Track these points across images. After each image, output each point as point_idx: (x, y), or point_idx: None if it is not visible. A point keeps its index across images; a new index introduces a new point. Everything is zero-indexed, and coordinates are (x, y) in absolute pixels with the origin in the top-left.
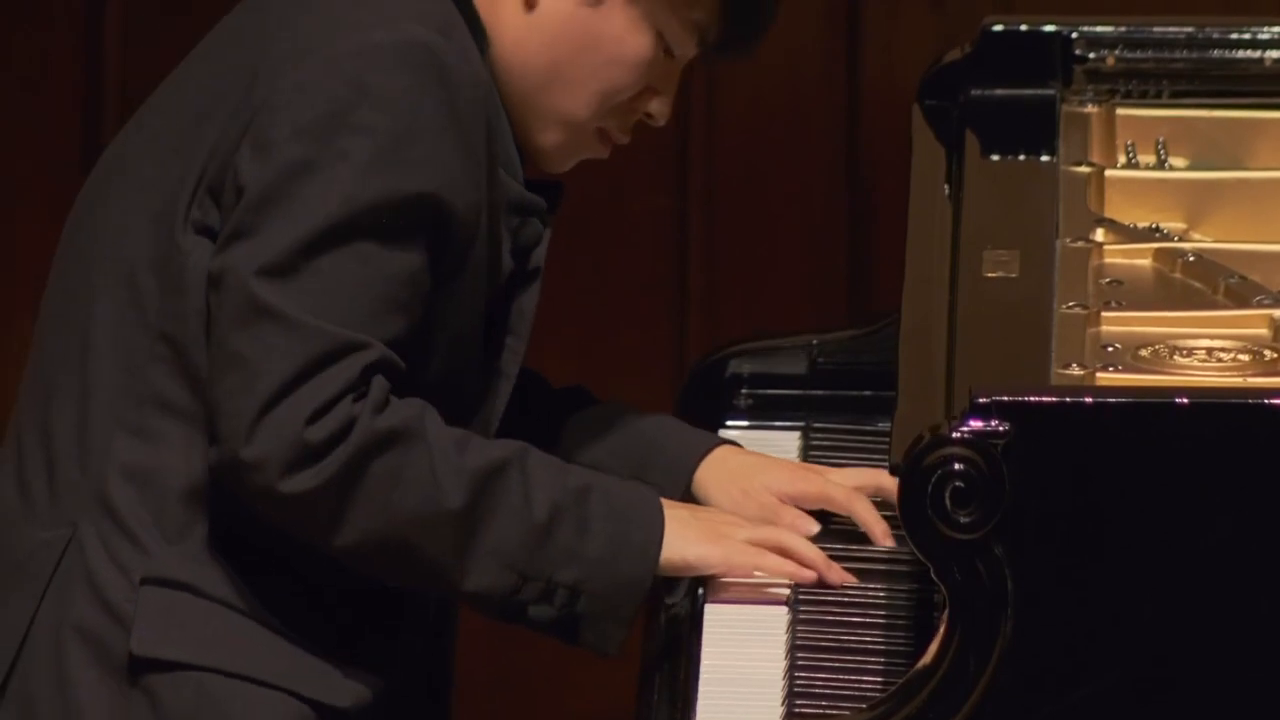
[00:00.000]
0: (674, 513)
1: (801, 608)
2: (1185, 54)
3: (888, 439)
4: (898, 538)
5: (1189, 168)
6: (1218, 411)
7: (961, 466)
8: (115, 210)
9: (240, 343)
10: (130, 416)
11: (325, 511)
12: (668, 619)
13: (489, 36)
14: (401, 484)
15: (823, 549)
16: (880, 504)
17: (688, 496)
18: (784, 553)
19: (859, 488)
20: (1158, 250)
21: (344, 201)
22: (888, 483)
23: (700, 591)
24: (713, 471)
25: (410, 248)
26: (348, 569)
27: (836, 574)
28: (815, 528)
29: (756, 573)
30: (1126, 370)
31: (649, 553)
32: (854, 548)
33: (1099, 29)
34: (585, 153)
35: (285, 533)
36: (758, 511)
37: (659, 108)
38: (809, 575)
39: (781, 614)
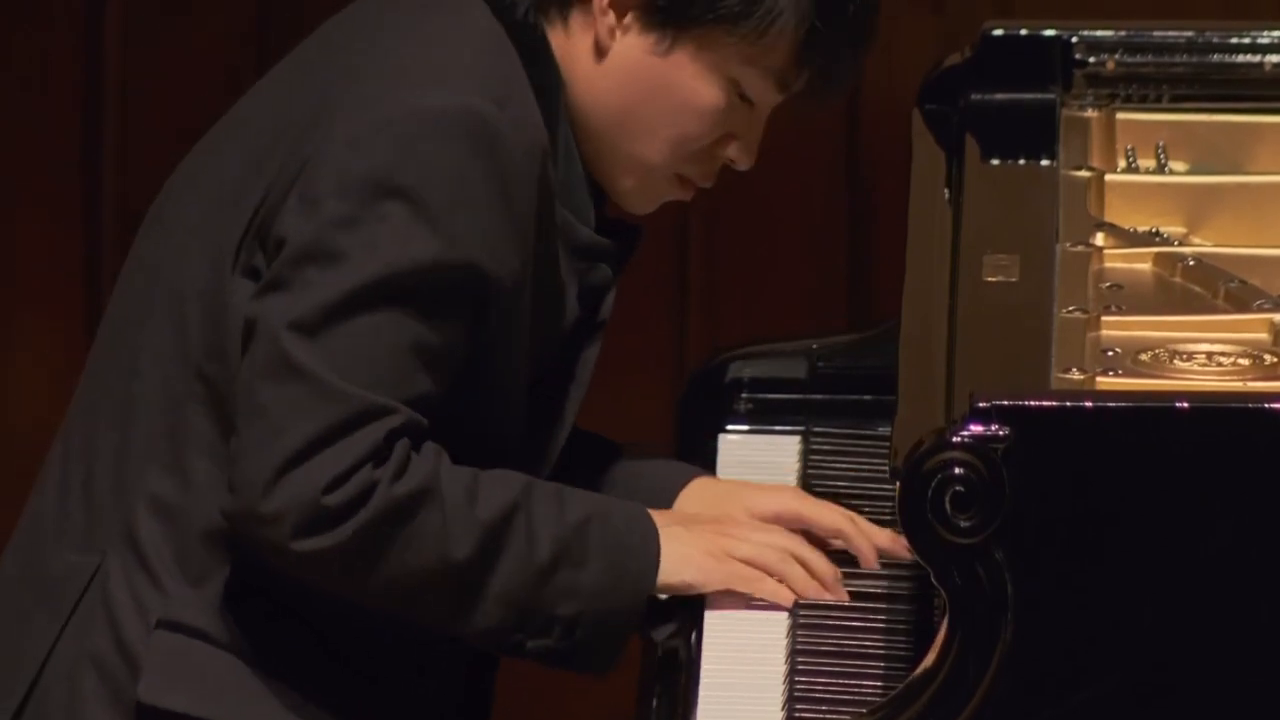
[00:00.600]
0: (671, 531)
1: (801, 612)
2: (1185, 58)
3: (888, 443)
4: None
5: (1189, 172)
6: (1218, 416)
7: (962, 471)
8: (179, 230)
9: (267, 395)
10: (165, 450)
11: (335, 569)
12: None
13: (565, 79)
14: (413, 545)
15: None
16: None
17: None
18: (799, 560)
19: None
20: (1158, 254)
21: (382, 265)
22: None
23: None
24: (691, 502)
25: (445, 314)
26: (369, 619)
27: (840, 593)
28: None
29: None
30: (1127, 374)
31: (645, 581)
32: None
33: (1099, 33)
34: (666, 196)
35: (305, 584)
36: None
37: (740, 153)
38: (806, 592)
39: (781, 619)
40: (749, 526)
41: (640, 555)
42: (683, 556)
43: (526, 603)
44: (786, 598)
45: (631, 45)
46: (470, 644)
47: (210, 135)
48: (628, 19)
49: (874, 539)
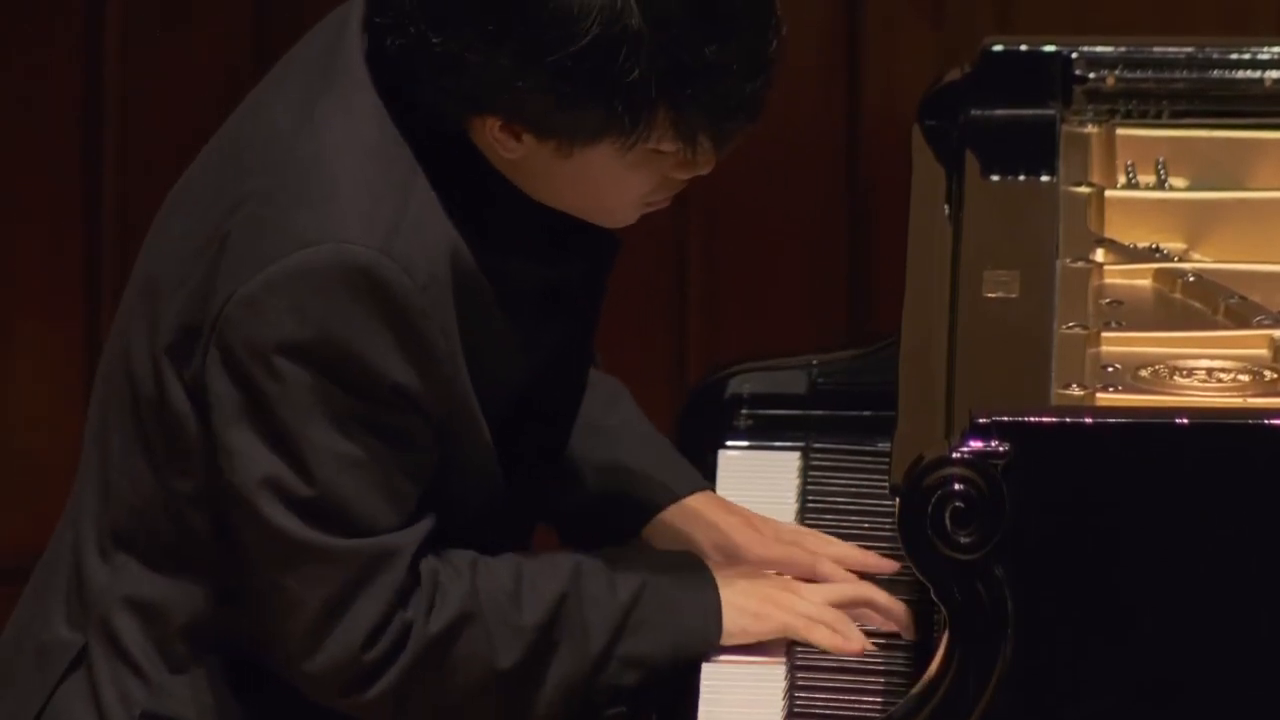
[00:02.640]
0: (732, 583)
1: None
2: (1185, 74)
3: (888, 459)
4: (894, 555)
5: (1189, 188)
6: (1218, 432)
7: (961, 487)
8: (140, 284)
9: (276, 573)
10: (140, 543)
11: (386, 710)
12: None
13: (497, 163)
14: (461, 668)
15: None
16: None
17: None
18: (868, 604)
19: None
20: (1158, 270)
21: (318, 419)
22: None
23: None
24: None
25: (398, 430)
26: None
27: (909, 633)
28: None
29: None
30: (1126, 390)
31: (709, 636)
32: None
33: (1099, 49)
34: (637, 215)
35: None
36: None
37: (697, 170)
38: (854, 649)
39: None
40: (816, 588)
41: (699, 613)
42: (741, 606)
43: (587, 687)
44: (841, 647)
45: (536, 154)
46: None
47: (173, 194)
48: (525, 138)
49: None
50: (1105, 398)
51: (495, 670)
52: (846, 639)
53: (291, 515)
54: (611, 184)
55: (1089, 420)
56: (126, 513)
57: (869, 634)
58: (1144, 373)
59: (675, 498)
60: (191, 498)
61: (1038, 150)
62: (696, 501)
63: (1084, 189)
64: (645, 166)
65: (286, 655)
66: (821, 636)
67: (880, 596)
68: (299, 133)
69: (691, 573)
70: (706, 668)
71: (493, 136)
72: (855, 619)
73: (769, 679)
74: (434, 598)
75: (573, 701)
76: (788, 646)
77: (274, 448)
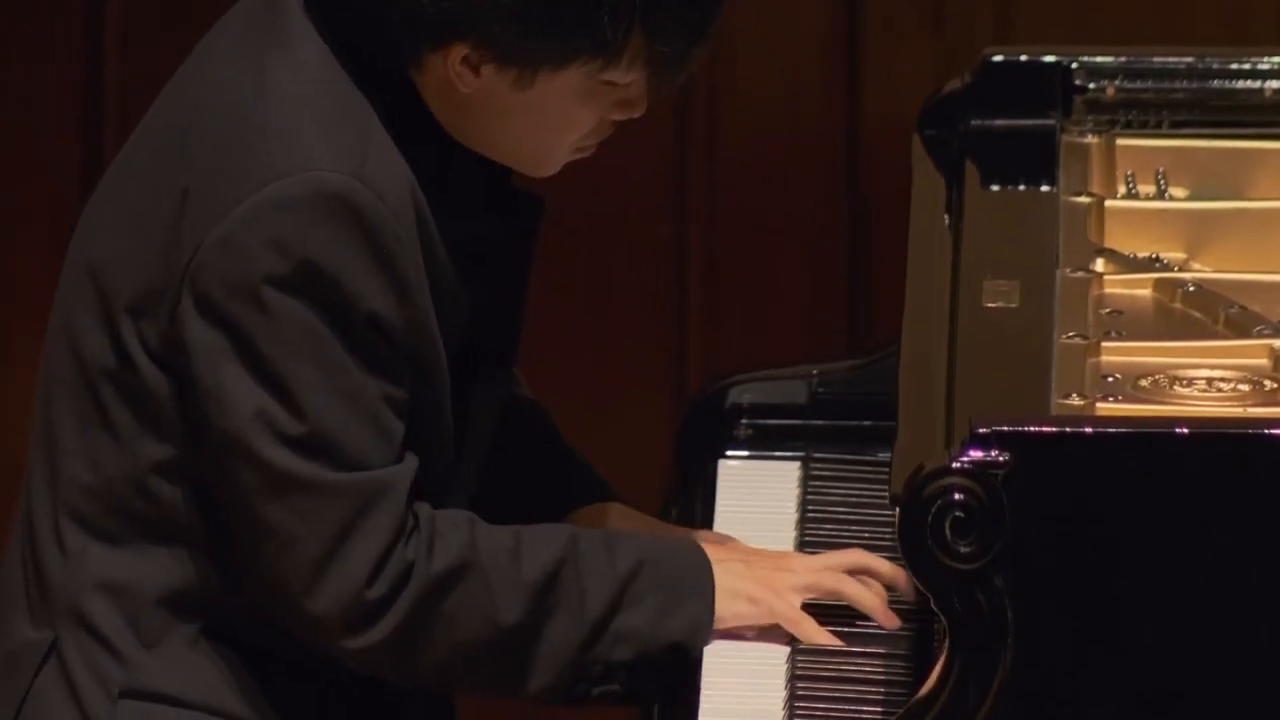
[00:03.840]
0: (726, 565)
1: None
2: (1185, 84)
3: (888, 469)
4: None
5: (1189, 198)
6: (1218, 442)
7: (961, 497)
8: (79, 267)
9: (270, 513)
10: (102, 524)
11: (390, 657)
12: None
13: (435, 110)
14: (461, 615)
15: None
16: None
17: None
18: (864, 569)
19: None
20: (1158, 280)
21: (305, 349)
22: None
23: None
24: None
25: (381, 362)
26: (337, 663)
27: (890, 620)
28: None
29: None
30: (1126, 400)
31: (702, 617)
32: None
33: (1099, 59)
34: (568, 159)
35: (268, 627)
36: None
37: (629, 112)
38: (831, 641)
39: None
40: (807, 559)
41: (695, 594)
42: (734, 591)
43: (583, 656)
44: (828, 639)
45: (492, 87)
46: (535, 703)
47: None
48: (484, 69)
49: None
50: (1105, 407)
51: (497, 625)
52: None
53: (284, 450)
54: (558, 119)
55: (1089, 430)
56: (83, 496)
57: (868, 641)
58: (1144, 382)
59: (608, 497)
60: (162, 466)
61: (1038, 160)
62: (621, 509)
63: (1084, 199)
64: (594, 100)
65: (289, 600)
66: (809, 630)
67: (875, 561)
68: (248, 82)
69: (688, 554)
70: (706, 674)
71: (452, 70)
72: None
73: (769, 688)
74: (433, 541)
75: (566, 672)
76: (788, 654)
77: (262, 385)
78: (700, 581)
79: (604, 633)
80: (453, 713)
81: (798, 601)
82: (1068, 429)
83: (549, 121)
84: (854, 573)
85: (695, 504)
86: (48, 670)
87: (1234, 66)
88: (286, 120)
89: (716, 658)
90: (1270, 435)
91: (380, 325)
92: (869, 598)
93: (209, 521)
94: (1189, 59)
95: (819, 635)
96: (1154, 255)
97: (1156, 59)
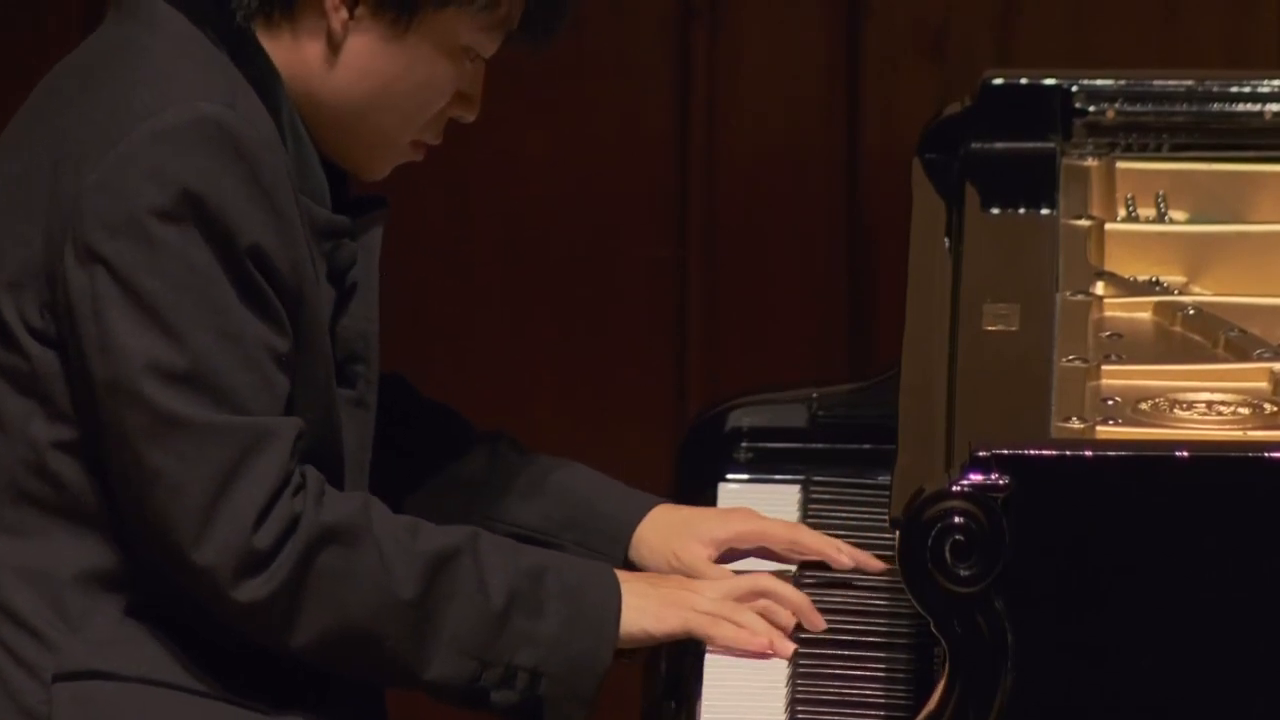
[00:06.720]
0: (631, 585)
1: (801, 661)
2: (1185, 107)
3: (888, 492)
4: (895, 588)
5: (1189, 221)
6: (1218, 465)
7: (961, 520)
8: None
9: (155, 458)
10: (5, 516)
11: (280, 613)
12: (668, 668)
13: (291, 77)
14: (353, 577)
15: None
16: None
17: (627, 563)
18: (766, 594)
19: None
20: (1158, 304)
21: (190, 284)
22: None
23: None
24: (648, 534)
25: (264, 305)
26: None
27: (817, 619)
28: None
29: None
30: (1127, 424)
31: (606, 630)
32: (850, 596)
33: (1099, 82)
34: (400, 161)
35: (189, 595)
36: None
37: (467, 108)
38: (760, 643)
39: (781, 666)
40: (714, 583)
41: (600, 605)
42: (641, 608)
43: (483, 650)
44: (746, 641)
45: (365, 36)
46: (435, 698)
47: None
48: (359, 10)
49: (827, 545)
50: (1105, 431)
51: (391, 596)
52: (753, 632)
53: (169, 390)
54: (418, 84)
55: (1089, 453)
56: None
57: (869, 664)
58: (1144, 406)
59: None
60: (60, 446)
61: (1038, 183)
62: None
63: (1084, 222)
64: (455, 65)
65: (179, 553)
66: (725, 632)
67: (780, 587)
68: (110, 53)
69: (594, 569)
70: (704, 699)
71: (330, 7)
72: (759, 612)
73: (767, 711)
74: (322, 498)
75: (465, 664)
76: (787, 678)
77: (146, 324)
78: (604, 593)
79: (504, 629)
80: (380, 699)
81: (704, 617)
82: (1068, 452)
83: (407, 85)
84: (754, 598)
85: None
86: None
87: (1233, 89)
88: (155, 67)
89: (716, 679)
90: (1271, 459)
91: (264, 262)
92: (746, 638)
93: (109, 490)
94: (1189, 82)
95: (737, 635)
96: (1154, 278)
97: (1156, 82)
